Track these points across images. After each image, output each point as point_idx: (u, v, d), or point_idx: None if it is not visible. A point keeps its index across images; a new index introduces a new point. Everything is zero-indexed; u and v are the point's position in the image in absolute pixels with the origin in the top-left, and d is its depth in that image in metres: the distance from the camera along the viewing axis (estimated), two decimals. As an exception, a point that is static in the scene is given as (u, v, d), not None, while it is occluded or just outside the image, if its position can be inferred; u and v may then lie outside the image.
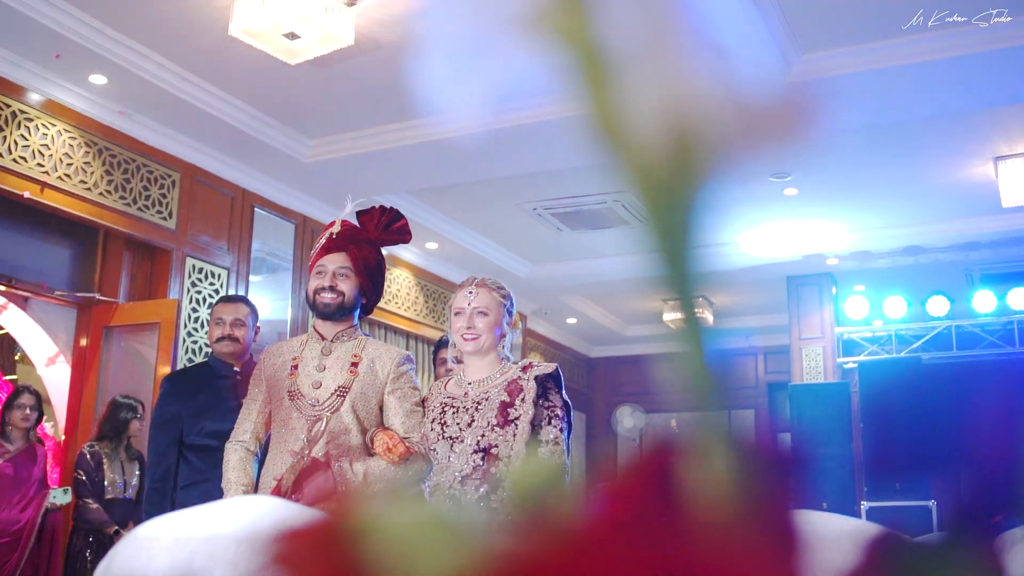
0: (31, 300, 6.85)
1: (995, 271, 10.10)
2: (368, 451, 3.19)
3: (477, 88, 0.40)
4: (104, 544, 5.59)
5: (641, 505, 0.36)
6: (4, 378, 7.38)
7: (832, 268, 10.39)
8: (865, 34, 5.90)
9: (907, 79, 6.18)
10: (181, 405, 4.21)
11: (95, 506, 5.78)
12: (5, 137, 5.95)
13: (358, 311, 3.39)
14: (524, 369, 3.11)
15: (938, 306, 10.14)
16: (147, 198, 6.91)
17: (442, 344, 4.45)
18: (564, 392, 3.11)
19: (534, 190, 8.58)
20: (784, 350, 11.17)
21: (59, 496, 5.96)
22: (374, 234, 3.41)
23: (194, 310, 7.14)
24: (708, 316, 11.38)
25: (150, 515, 3.52)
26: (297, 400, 3.24)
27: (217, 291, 7.32)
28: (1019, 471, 0.45)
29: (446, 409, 3.14)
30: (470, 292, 3.20)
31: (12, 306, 6.96)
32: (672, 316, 11.17)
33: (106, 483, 5.88)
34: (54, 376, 7.17)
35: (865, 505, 9.26)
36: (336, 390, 3.22)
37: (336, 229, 3.38)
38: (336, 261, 3.33)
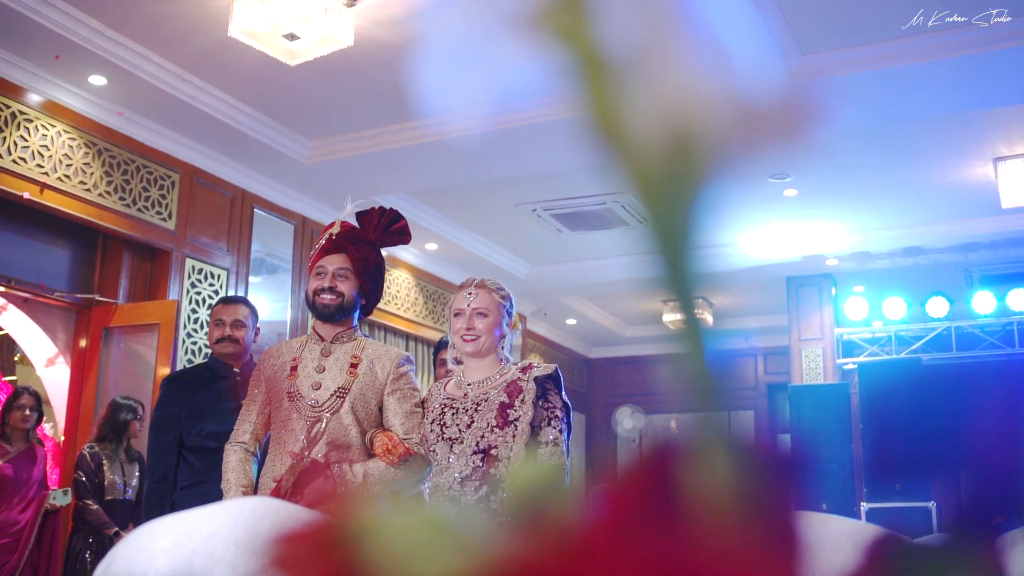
0: (31, 301, 6.85)
1: (995, 272, 10.10)
2: (368, 452, 3.19)
3: (477, 89, 0.40)
4: (104, 545, 5.59)
5: (641, 507, 0.36)
6: (4, 379, 7.37)
7: (832, 269, 10.40)
8: (865, 35, 5.90)
9: (907, 80, 6.19)
10: (181, 406, 4.21)
11: (95, 507, 5.78)
12: (5, 138, 5.95)
13: (358, 312, 3.39)
14: (524, 370, 3.11)
15: (938, 307, 10.14)
16: (147, 199, 6.92)
17: (442, 345, 4.45)
18: (564, 393, 3.11)
19: (534, 191, 8.58)
20: (784, 351, 11.18)
21: (59, 497, 5.96)
22: (374, 235, 3.41)
23: (194, 311, 7.14)
24: (708, 317, 11.37)
25: (149, 516, 3.52)
26: (296, 401, 3.24)
27: (217, 292, 7.32)
28: (1019, 472, 0.44)
29: (445, 410, 3.14)
30: (470, 293, 3.20)
31: (12, 307, 6.96)
32: (672, 317, 11.17)
33: (106, 484, 5.88)
34: (54, 377, 7.17)
35: (865, 506, 9.26)
36: (336, 391, 3.22)
37: (336, 230, 3.38)
38: (336, 262, 3.33)
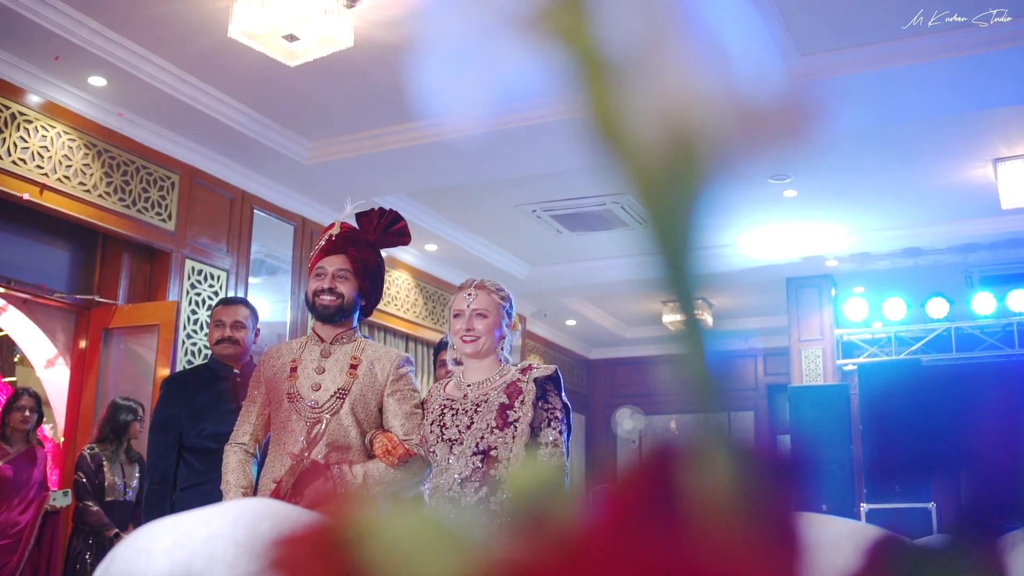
0: (30, 302, 6.85)
1: (994, 273, 10.10)
2: (367, 453, 3.19)
3: (476, 90, 0.40)
4: (104, 546, 5.59)
5: (641, 508, 0.36)
6: (3, 380, 7.37)
7: (831, 270, 10.40)
8: (865, 36, 5.90)
9: (906, 81, 6.19)
10: (181, 407, 4.20)
11: (95, 508, 5.78)
12: (4, 139, 5.95)
13: (357, 313, 3.39)
14: (524, 371, 3.11)
15: (937, 308, 10.14)
16: (146, 200, 6.92)
17: (443, 346, 4.45)
18: (564, 394, 3.11)
19: (533, 192, 8.58)
20: (783, 352, 11.18)
21: (59, 498, 5.96)
22: (373, 236, 3.41)
23: (193, 312, 7.14)
24: (708, 318, 11.38)
25: (149, 517, 3.52)
26: (296, 402, 3.23)
27: (216, 293, 7.32)
28: (1020, 473, 0.44)
29: (445, 411, 3.14)
30: (469, 294, 3.20)
31: (11, 308, 6.96)
32: (671, 318, 11.18)
33: (106, 485, 5.88)
34: (53, 378, 7.17)
35: (865, 507, 9.26)
36: (335, 392, 3.22)
37: (335, 231, 3.38)
38: (335, 263, 3.33)
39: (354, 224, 3.43)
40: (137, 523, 5.12)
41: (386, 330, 9.45)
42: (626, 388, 14.03)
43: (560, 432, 3.04)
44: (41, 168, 6.16)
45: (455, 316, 3.21)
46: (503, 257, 10.35)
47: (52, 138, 6.25)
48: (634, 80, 0.38)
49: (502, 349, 3.20)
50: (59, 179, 6.27)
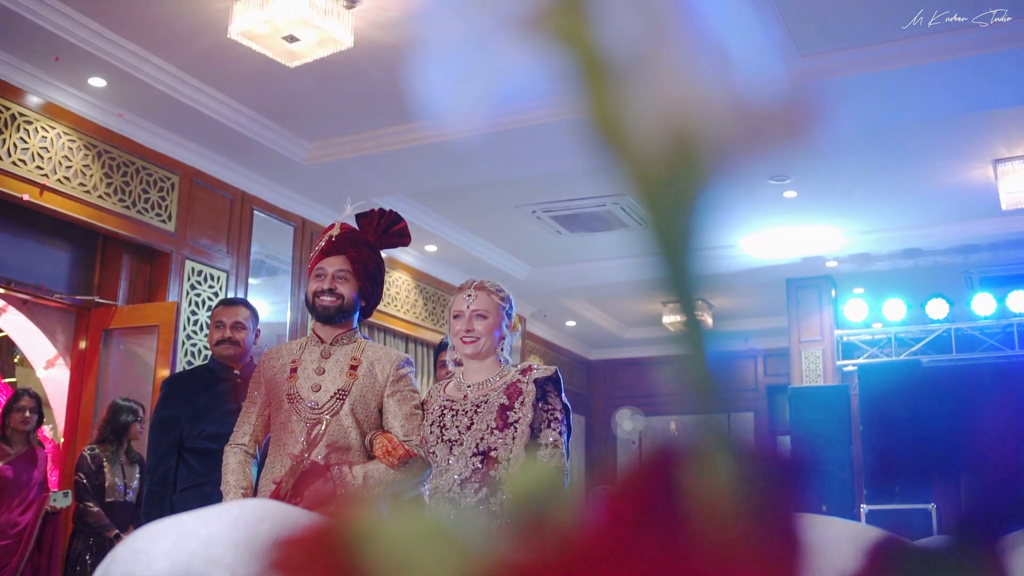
0: (30, 303, 6.85)
1: (994, 274, 10.10)
2: (367, 454, 3.19)
3: (476, 91, 0.40)
4: (104, 547, 5.59)
5: (641, 509, 0.36)
6: (3, 381, 7.37)
7: (831, 271, 10.40)
8: (865, 37, 5.90)
9: (906, 82, 6.19)
10: (181, 408, 4.20)
11: (96, 509, 5.78)
12: (4, 140, 5.95)
13: (357, 314, 3.39)
14: (523, 372, 3.11)
15: (937, 309, 10.14)
16: (146, 201, 6.92)
17: (443, 347, 4.45)
18: (563, 395, 3.11)
19: (533, 193, 8.58)
20: (783, 353, 11.18)
21: (59, 499, 5.96)
22: (373, 237, 3.41)
23: (193, 313, 7.14)
24: (707, 319, 11.38)
25: (149, 518, 3.52)
26: (296, 403, 3.23)
27: (216, 294, 7.32)
28: (1020, 474, 0.44)
29: (445, 412, 3.13)
30: (469, 295, 3.20)
31: (11, 309, 6.96)
32: (671, 319, 11.18)
33: (106, 486, 5.87)
34: (53, 379, 7.17)
35: (865, 508, 9.26)
36: (335, 393, 3.22)
37: (335, 232, 3.38)
38: (335, 264, 3.33)
39: (354, 225, 3.43)
40: (137, 524, 5.12)
41: (386, 331, 9.45)
42: (626, 389, 14.03)
43: (560, 433, 3.04)
44: (41, 169, 6.16)
45: (455, 317, 3.21)
46: (503, 258, 10.35)
47: (52, 139, 6.25)
48: (634, 81, 0.38)
49: (502, 350, 3.20)
50: (59, 180, 6.27)
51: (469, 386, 3.16)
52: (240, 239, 7.69)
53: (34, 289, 6.57)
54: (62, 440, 6.94)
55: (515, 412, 3.03)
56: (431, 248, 9.67)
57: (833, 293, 10.70)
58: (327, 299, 3.31)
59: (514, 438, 2.99)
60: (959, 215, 9.02)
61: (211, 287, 7.34)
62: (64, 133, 6.34)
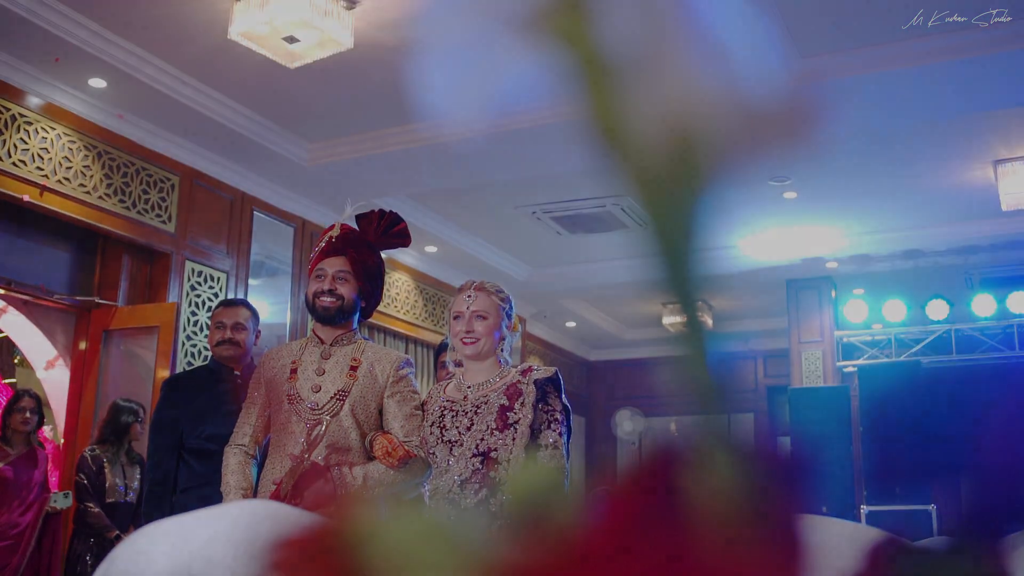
0: (30, 303, 6.85)
1: (995, 275, 10.10)
2: (367, 455, 3.19)
3: (477, 92, 0.40)
4: (105, 548, 5.58)
5: (641, 510, 0.36)
6: (3, 381, 7.37)
7: (831, 272, 10.40)
8: (865, 38, 5.90)
9: (907, 83, 6.19)
10: (181, 409, 4.20)
11: (96, 510, 5.78)
12: (5, 141, 5.95)
13: (357, 315, 3.39)
14: (524, 373, 3.11)
15: (938, 310, 10.14)
16: (146, 202, 6.92)
17: (443, 348, 4.45)
18: (564, 396, 3.11)
19: (533, 194, 8.58)
20: (783, 354, 11.18)
21: (59, 500, 5.96)
22: (373, 237, 3.41)
23: (193, 314, 7.14)
24: (707, 320, 11.37)
25: (149, 518, 3.52)
26: (296, 404, 3.23)
27: (216, 295, 7.32)
28: (1021, 475, 0.44)
29: (445, 413, 3.13)
30: (469, 296, 3.20)
31: (12, 309, 6.96)
32: (671, 320, 11.18)
33: (107, 487, 5.87)
34: (53, 379, 7.17)
35: (865, 509, 9.26)
36: (335, 394, 3.22)
37: (335, 233, 3.38)
38: (335, 265, 3.33)
39: (354, 226, 3.43)
40: (138, 525, 5.12)
41: (386, 332, 9.45)
42: (626, 390, 14.03)
43: (560, 434, 3.04)
44: (41, 170, 6.16)
45: (455, 318, 3.21)
46: (503, 259, 10.35)
47: (52, 140, 6.25)
48: (635, 82, 0.38)
49: (502, 351, 3.20)
50: (59, 181, 6.27)
51: (469, 387, 3.16)
52: (240, 240, 7.69)
53: (34, 290, 6.57)
54: (62, 441, 6.94)
55: (515, 413, 3.03)
56: (431, 249, 9.67)
57: (833, 294, 10.69)
58: (327, 300, 3.31)
59: (514, 439, 2.99)
60: (959, 216, 9.02)
61: (211, 288, 7.34)
62: (64, 134, 6.34)
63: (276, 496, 3.06)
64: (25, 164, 6.06)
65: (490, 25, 0.39)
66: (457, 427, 3.08)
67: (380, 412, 3.26)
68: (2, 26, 5.53)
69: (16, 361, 8.40)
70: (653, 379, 13.07)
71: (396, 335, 9.60)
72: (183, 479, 4.13)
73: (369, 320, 4.08)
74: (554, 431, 3.03)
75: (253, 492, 3.25)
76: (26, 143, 6.08)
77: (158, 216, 7.00)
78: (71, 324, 7.07)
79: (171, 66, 6.26)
